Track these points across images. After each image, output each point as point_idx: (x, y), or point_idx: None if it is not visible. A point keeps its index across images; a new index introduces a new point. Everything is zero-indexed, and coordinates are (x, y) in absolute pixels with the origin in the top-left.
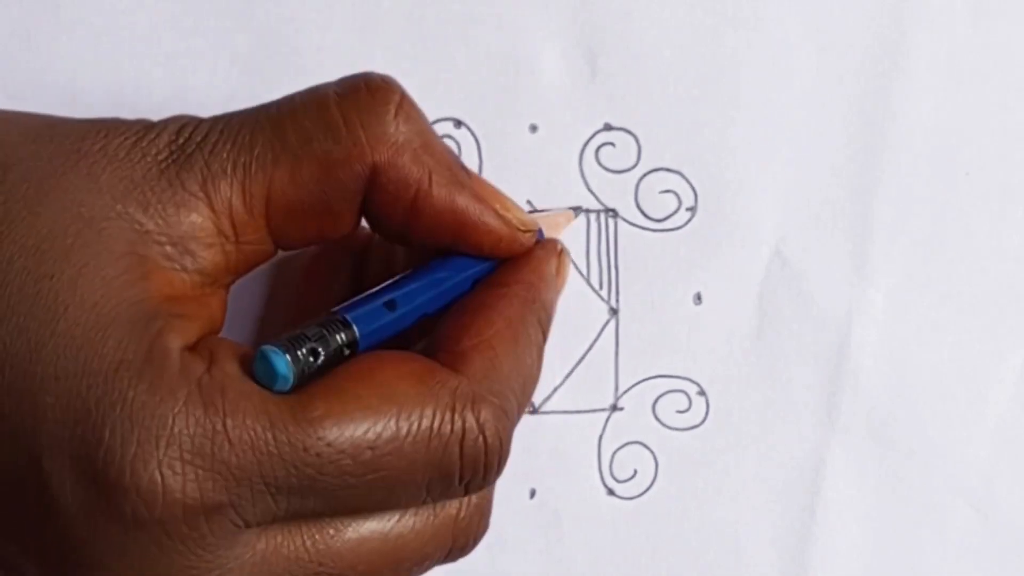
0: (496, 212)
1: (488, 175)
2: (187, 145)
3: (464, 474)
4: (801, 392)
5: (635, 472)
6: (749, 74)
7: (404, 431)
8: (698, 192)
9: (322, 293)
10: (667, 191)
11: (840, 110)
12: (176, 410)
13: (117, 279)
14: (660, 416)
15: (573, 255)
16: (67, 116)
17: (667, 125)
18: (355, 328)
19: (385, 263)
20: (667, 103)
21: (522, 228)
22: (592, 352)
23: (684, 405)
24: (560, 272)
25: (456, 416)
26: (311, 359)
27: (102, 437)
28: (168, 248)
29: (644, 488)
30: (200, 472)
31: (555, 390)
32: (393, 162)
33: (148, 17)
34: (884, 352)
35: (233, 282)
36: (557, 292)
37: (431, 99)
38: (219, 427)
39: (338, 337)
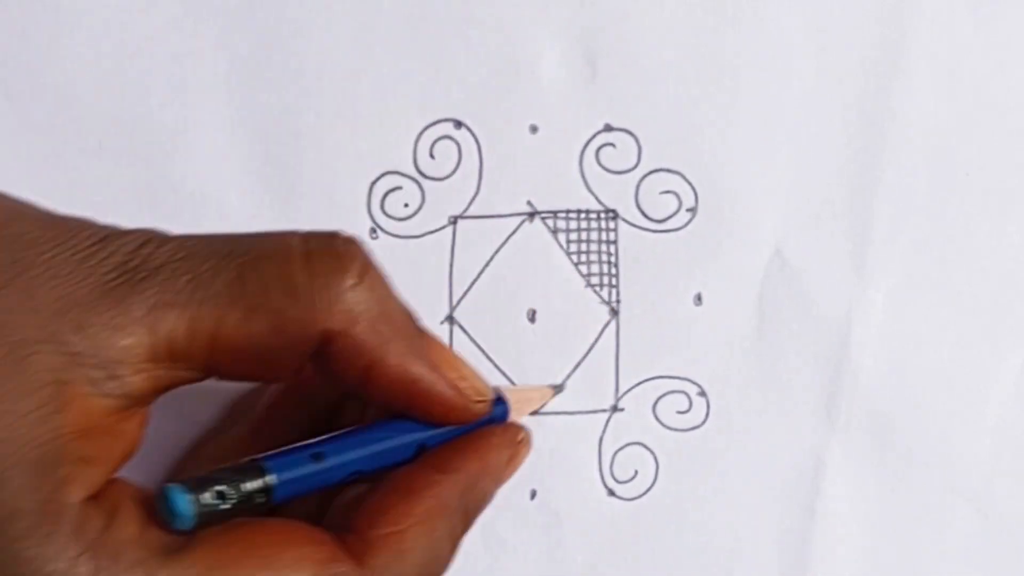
0: (450, 381)
1: (488, 176)
2: (145, 264)
3: None
4: (801, 392)
5: (636, 473)
6: (749, 74)
7: None
8: (698, 193)
9: (280, 434)
10: (667, 192)
11: (840, 110)
12: (64, 570)
13: (31, 414)
14: (661, 417)
15: (574, 256)
16: (26, 203)
17: (667, 126)
18: (272, 477)
19: (357, 418)
20: (667, 104)
21: (476, 398)
22: (592, 353)
23: (684, 406)
24: (511, 463)
25: None
26: (217, 503)
27: None
28: (93, 372)
29: (645, 489)
30: None
31: (555, 391)
32: (347, 331)
33: (148, 17)
34: (884, 352)
35: (155, 400)
36: (500, 482)
37: (431, 99)
38: None
39: (251, 484)
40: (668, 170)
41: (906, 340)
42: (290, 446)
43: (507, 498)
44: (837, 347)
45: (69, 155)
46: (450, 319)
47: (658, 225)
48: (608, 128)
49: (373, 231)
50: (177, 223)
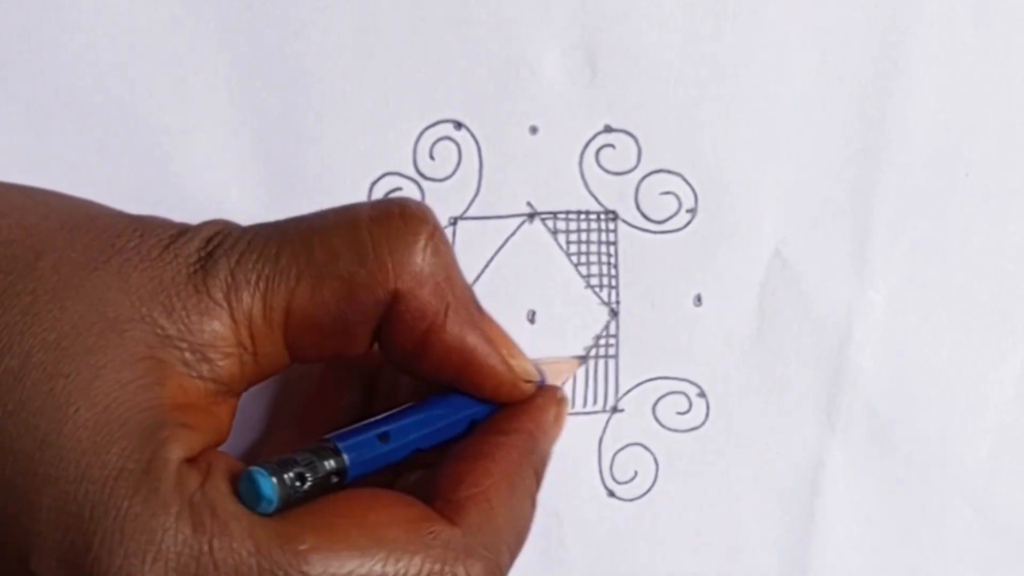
0: (502, 357)
1: (488, 177)
2: (216, 252)
3: None
4: (801, 393)
5: (635, 474)
6: (749, 74)
7: None
8: (698, 194)
9: (329, 410)
10: (667, 193)
11: (840, 110)
12: (167, 525)
13: (132, 383)
14: (660, 418)
15: (574, 256)
16: (104, 204)
17: (667, 127)
18: (345, 457)
19: (391, 390)
20: (667, 104)
21: (524, 377)
22: (592, 353)
23: (684, 406)
24: (557, 421)
25: (447, 568)
26: (298, 484)
27: (91, 544)
28: (187, 354)
29: (645, 490)
30: None
31: None
32: (414, 292)
33: (148, 17)
34: (884, 353)
35: (245, 390)
36: (552, 441)
37: (431, 100)
38: (205, 548)
39: (327, 464)
40: (668, 171)
41: (906, 341)
42: (355, 426)
43: None
44: (837, 348)
45: (69, 155)
46: None
47: (658, 226)
48: (608, 129)
49: None
50: None
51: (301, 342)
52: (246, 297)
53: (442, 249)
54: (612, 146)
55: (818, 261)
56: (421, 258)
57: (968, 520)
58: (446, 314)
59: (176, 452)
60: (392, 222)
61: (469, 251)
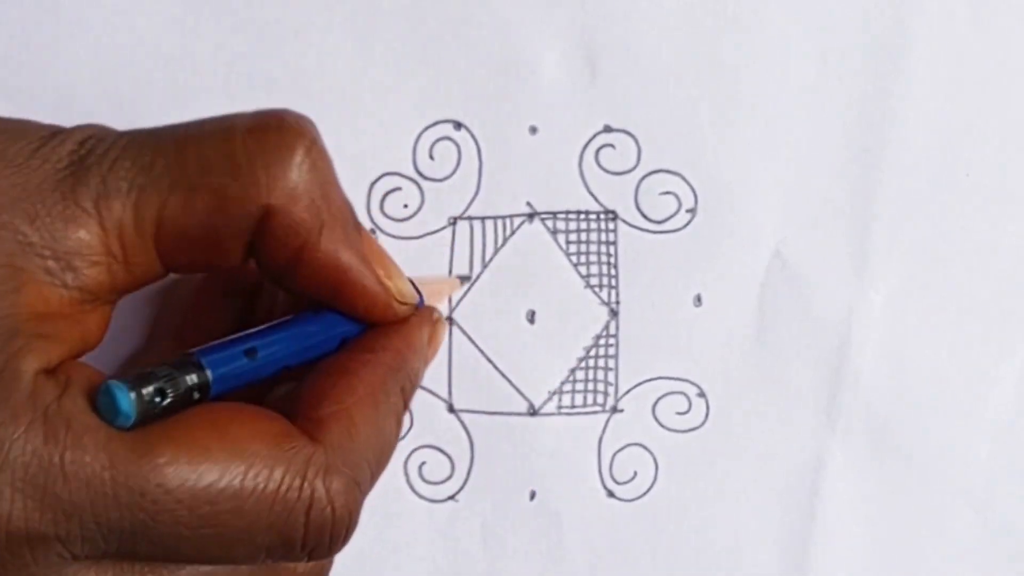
0: (378, 277)
1: (488, 177)
2: (88, 158)
3: (308, 542)
4: (801, 393)
5: (635, 474)
6: (749, 75)
7: (248, 490)
8: (698, 194)
9: (207, 323)
10: (667, 193)
11: (840, 110)
12: (15, 436)
13: None
14: (660, 418)
15: (574, 256)
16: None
17: (667, 127)
18: (209, 372)
19: (271, 305)
20: (667, 105)
21: (399, 299)
22: (592, 353)
23: (684, 407)
24: (433, 341)
25: (306, 484)
26: (157, 399)
27: None
28: (50, 263)
29: (644, 490)
30: (29, 502)
31: (555, 392)
32: (287, 208)
33: (148, 18)
34: (884, 354)
35: (119, 299)
36: (426, 361)
37: (431, 101)
38: (56, 460)
39: (189, 379)
40: (668, 171)
41: (906, 341)
42: (221, 340)
43: (507, 499)
44: (837, 348)
45: None
46: (449, 319)
47: (658, 226)
48: (608, 129)
49: (372, 232)
50: None
51: (173, 253)
52: (117, 206)
53: (319, 165)
54: (612, 146)
55: (818, 261)
56: (296, 174)
57: (968, 520)
58: (320, 232)
59: (31, 363)
60: (268, 135)
61: (469, 251)
